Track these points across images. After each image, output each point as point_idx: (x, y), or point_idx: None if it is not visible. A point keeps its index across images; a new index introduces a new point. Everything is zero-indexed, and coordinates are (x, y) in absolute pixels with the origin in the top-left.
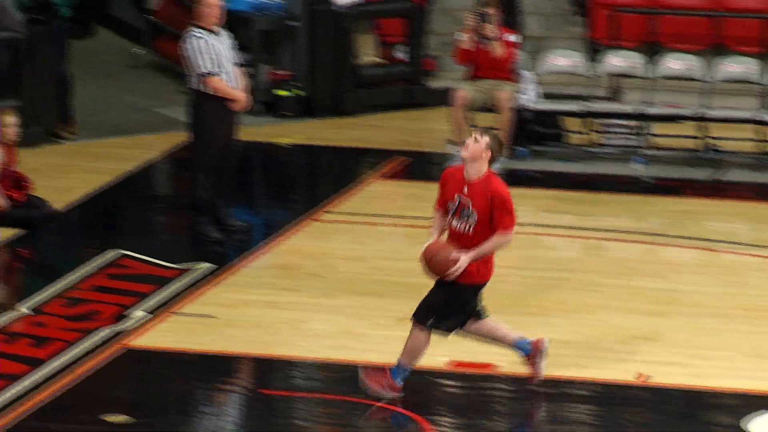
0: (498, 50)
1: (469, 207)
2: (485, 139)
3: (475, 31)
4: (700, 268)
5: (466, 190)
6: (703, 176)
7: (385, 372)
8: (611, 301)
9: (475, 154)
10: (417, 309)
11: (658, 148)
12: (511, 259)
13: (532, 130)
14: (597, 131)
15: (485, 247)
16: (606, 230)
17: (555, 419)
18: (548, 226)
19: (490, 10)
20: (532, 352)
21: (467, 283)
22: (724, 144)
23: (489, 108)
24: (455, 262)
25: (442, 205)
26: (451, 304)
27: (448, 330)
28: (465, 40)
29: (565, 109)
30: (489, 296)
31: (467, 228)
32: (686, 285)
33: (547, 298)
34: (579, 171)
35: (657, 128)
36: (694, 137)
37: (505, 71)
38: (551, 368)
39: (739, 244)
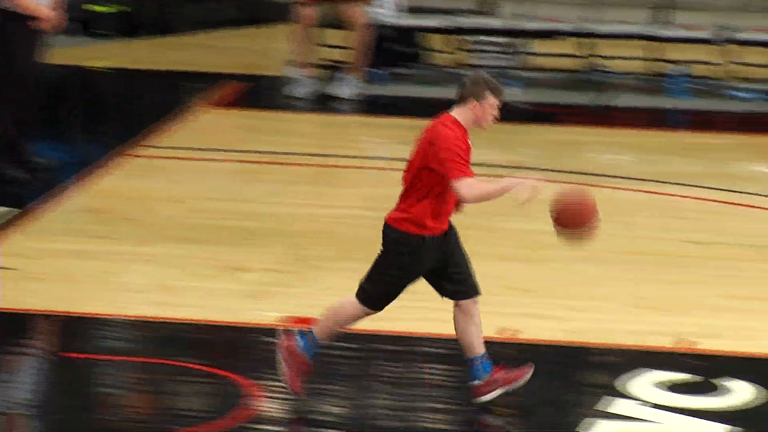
0: None
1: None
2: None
3: None
4: None
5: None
6: (586, 101)
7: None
8: (474, 247)
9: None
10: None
11: (535, 69)
12: (356, 198)
13: (390, 50)
14: (465, 50)
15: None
16: (472, 164)
17: (403, 380)
18: (402, 159)
19: None
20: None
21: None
22: (610, 64)
23: (339, 24)
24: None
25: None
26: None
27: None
28: None
29: (427, 25)
30: (329, 243)
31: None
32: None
33: None
34: (443, 96)
35: (534, 46)
36: (576, 56)
37: None
38: (403, 323)
39: (624, 178)
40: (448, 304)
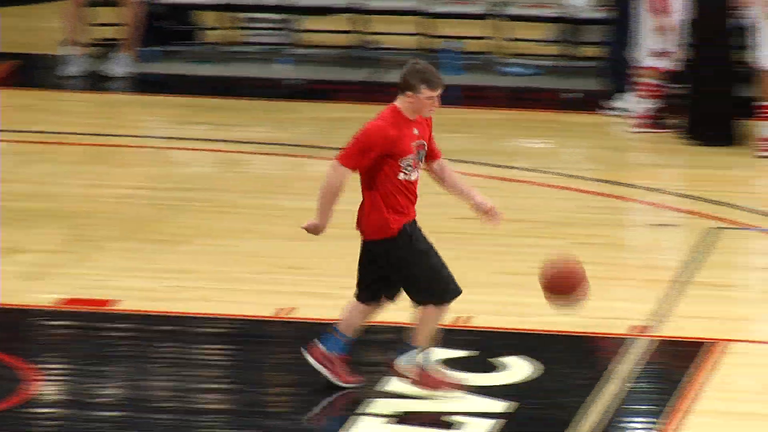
0: None
1: (424, 147)
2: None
3: None
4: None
5: (416, 131)
6: (359, 77)
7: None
8: (250, 225)
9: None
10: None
11: (308, 46)
12: (132, 178)
13: (162, 27)
14: (237, 27)
15: (464, 184)
16: (246, 142)
17: (181, 361)
18: (179, 138)
19: None
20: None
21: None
22: (383, 40)
23: (111, 2)
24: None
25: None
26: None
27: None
28: None
29: (199, 2)
30: (112, 223)
31: (418, 173)
32: (339, 203)
33: (175, 223)
34: (216, 74)
35: (307, 23)
36: (349, 32)
37: None
38: (181, 303)
39: None
40: (228, 283)
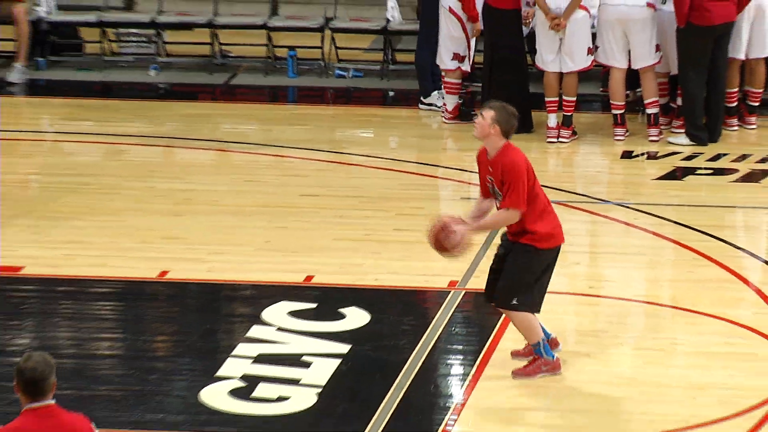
0: None
1: (494, 186)
2: (490, 113)
3: None
4: (215, 168)
5: (491, 169)
6: (217, 81)
7: (535, 360)
8: (133, 204)
9: (483, 132)
10: (496, 294)
11: (173, 56)
12: (31, 166)
13: (53, 41)
14: (114, 41)
15: (486, 221)
16: (125, 135)
17: (79, 315)
18: (68, 132)
19: None
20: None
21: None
22: (235, 49)
23: (7, 21)
24: (457, 235)
25: (483, 191)
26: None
27: (532, 306)
28: None
29: (81, 20)
30: (15, 204)
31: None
32: (202, 185)
33: (70, 203)
34: (98, 80)
35: (171, 36)
36: (207, 44)
37: None
38: (69, 269)
39: (251, 144)
40: (116, 252)
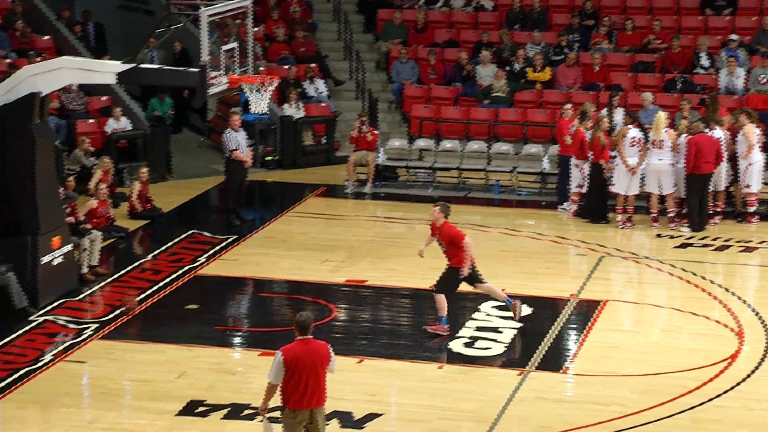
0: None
1: (440, 241)
2: (437, 208)
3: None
4: None
5: (438, 234)
6: None
7: (437, 324)
8: None
9: (435, 216)
10: (437, 285)
11: None
12: None
13: None
14: None
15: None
16: None
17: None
18: None
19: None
20: (511, 304)
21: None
22: None
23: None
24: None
25: (432, 235)
26: (449, 279)
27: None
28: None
29: None
30: None
31: (444, 249)
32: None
33: None
34: None
35: None
36: None
37: None
38: None
39: None
40: None
